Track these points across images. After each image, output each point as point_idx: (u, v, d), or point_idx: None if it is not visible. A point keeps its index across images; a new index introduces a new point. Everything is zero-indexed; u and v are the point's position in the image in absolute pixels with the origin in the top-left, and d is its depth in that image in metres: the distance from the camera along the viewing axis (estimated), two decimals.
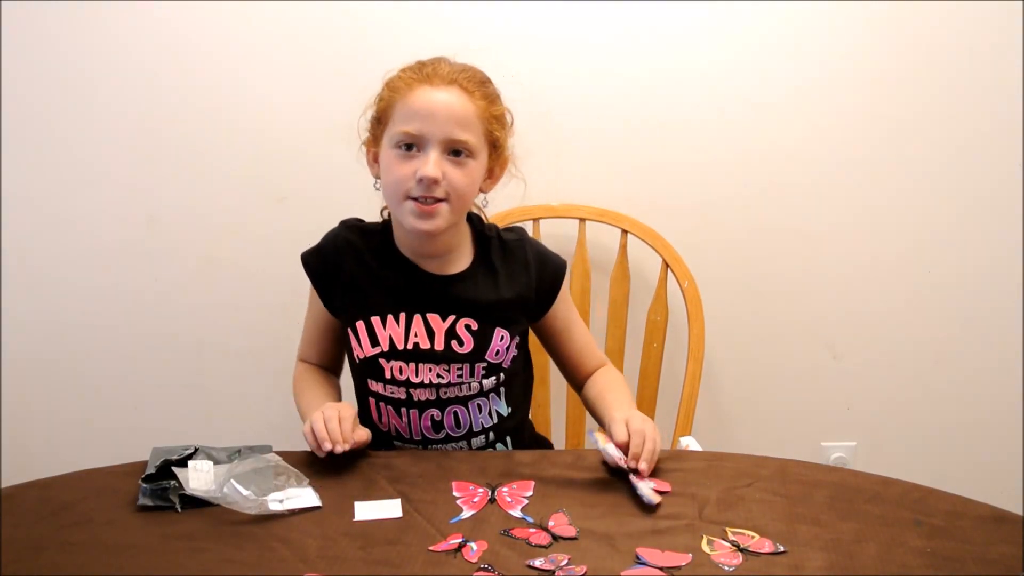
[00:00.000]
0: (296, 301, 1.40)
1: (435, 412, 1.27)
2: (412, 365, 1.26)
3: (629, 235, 1.68)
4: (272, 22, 1.63)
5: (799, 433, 1.87)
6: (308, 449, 1.20)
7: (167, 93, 1.65)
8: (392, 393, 1.28)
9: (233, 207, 1.71)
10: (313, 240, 1.33)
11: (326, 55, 1.66)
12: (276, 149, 1.69)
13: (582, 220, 1.68)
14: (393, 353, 1.26)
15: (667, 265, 1.67)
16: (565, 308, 1.36)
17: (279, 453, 1.18)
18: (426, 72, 1.22)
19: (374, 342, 1.27)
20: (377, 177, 1.27)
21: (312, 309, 1.36)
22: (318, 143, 1.69)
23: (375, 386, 1.29)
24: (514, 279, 1.30)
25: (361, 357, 1.28)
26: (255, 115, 1.67)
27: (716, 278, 1.76)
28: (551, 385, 1.66)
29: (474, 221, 1.33)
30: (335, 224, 1.33)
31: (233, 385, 1.78)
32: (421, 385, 1.26)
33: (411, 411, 1.27)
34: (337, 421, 1.16)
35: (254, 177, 1.70)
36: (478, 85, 1.23)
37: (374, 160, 1.28)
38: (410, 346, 1.25)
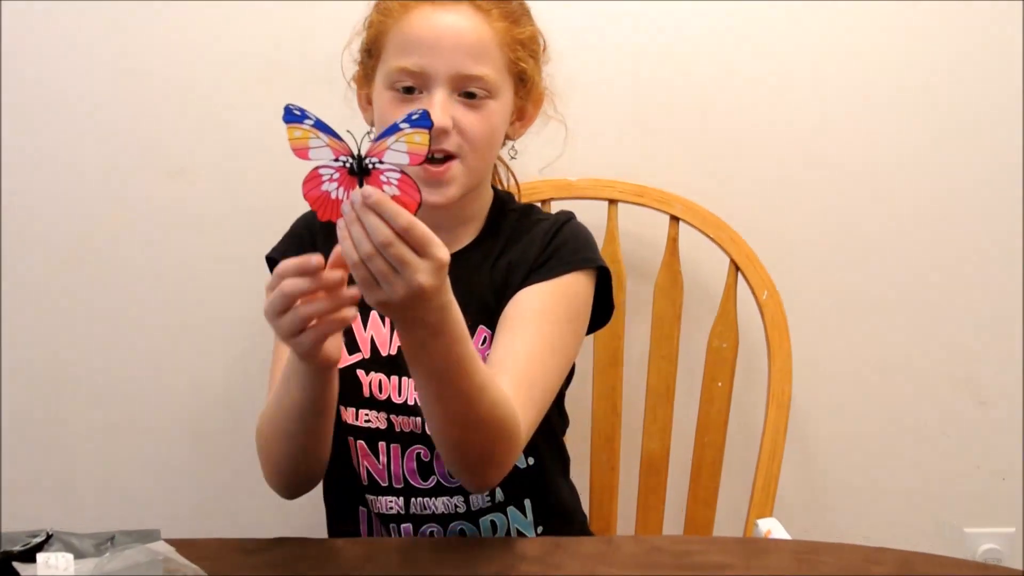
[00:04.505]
0: None
1: (422, 450, 1.33)
2: (394, 379, 1.33)
3: (682, 224, 1.68)
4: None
5: (931, 514, 1.87)
6: (222, 537, 1.21)
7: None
8: (369, 422, 1.34)
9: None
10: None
11: None
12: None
13: (613, 202, 1.68)
14: (375, 361, 1.33)
15: (737, 268, 1.67)
16: (537, 305, 1.32)
17: (171, 542, 1.16)
18: None
19: (352, 348, 1.34)
20: (371, 124, 1.38)
21: None
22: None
23: (348, 415, 1.35)
24: (515, 250, 1.36)
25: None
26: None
27: (809, 288, 1.78)
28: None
29: (502, 197, 1.44)
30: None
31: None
32: (405, 409, 1.32)
33: (392, 446, 1.34)
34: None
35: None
36: (495, 2, 1.33)
37: (367, 103, 1.38)
38: (393, 351, 1.32)
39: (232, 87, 1.75)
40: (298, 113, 1.04)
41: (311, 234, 1.40)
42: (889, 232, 1.82)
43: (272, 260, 1.42)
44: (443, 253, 1.04)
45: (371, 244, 1.01)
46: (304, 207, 1.34)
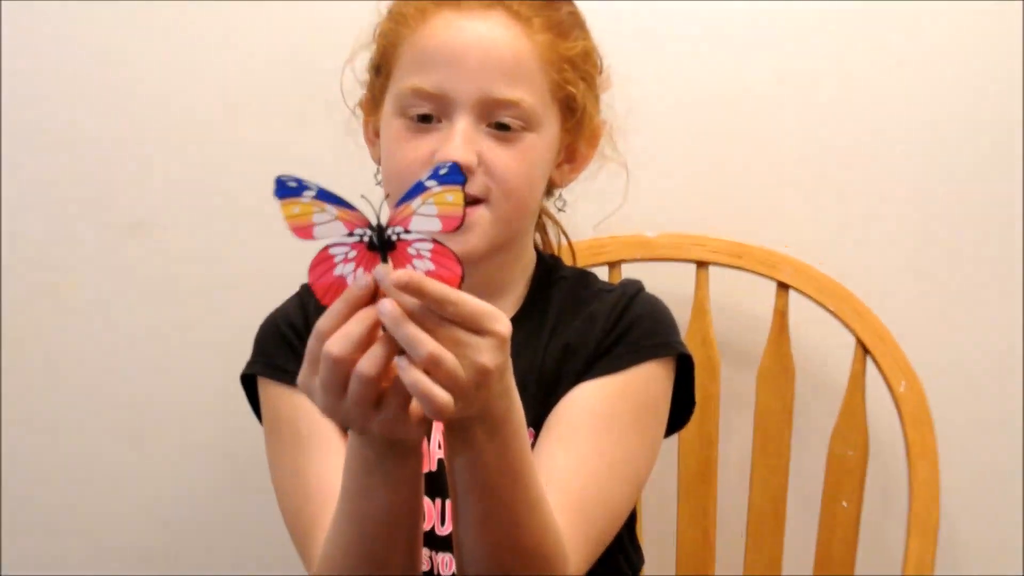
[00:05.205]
0: None
1: None
2: (438, 503, 1.27)
3: (792, 292, 1.57)
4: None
5: None
6: None
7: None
8: None
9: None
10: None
11: None
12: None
13: (702, 264, 1.58)
14: None
15: (866, 350, 1.55)
16: (600, 406, 1.25)
17: None
18: None
19: None
20: (379, 162, 1.33)
21: (287, 432, 1.28)
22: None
23: None
24: (569, 329, 1.28)
25: None
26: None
27: (960, 378, 1.65)
28: None
29: (548, 262, 1.38)
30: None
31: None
32: (447, 543, 1.22)
33: None
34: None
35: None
36: (538, 8, 1.26)
37: (375, 135, 1.34)
38: (434, 465, 1.27)
39: (206, 118, 1.69)
40: (294, 185, 0.94)
41: (298, 335, 1.29)
42: None
43: (249, 377, 1.32)
44: (502, 325, 0.96)
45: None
46: (275, 294, 1.35)
